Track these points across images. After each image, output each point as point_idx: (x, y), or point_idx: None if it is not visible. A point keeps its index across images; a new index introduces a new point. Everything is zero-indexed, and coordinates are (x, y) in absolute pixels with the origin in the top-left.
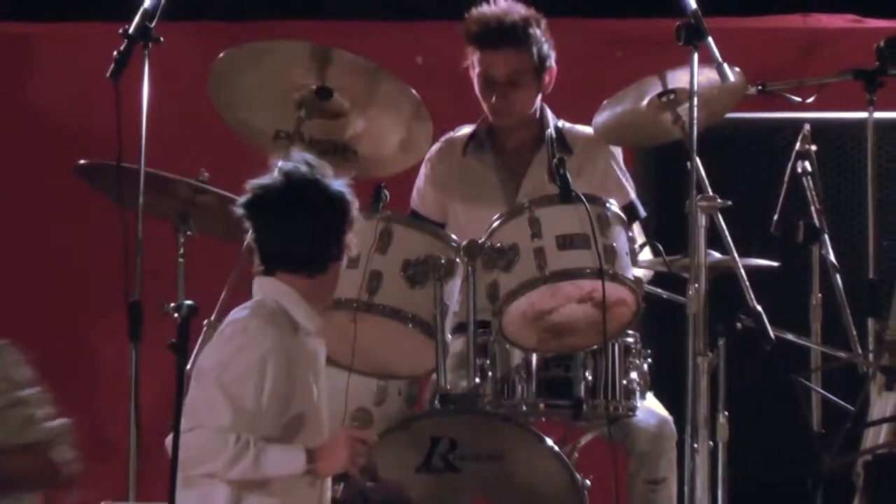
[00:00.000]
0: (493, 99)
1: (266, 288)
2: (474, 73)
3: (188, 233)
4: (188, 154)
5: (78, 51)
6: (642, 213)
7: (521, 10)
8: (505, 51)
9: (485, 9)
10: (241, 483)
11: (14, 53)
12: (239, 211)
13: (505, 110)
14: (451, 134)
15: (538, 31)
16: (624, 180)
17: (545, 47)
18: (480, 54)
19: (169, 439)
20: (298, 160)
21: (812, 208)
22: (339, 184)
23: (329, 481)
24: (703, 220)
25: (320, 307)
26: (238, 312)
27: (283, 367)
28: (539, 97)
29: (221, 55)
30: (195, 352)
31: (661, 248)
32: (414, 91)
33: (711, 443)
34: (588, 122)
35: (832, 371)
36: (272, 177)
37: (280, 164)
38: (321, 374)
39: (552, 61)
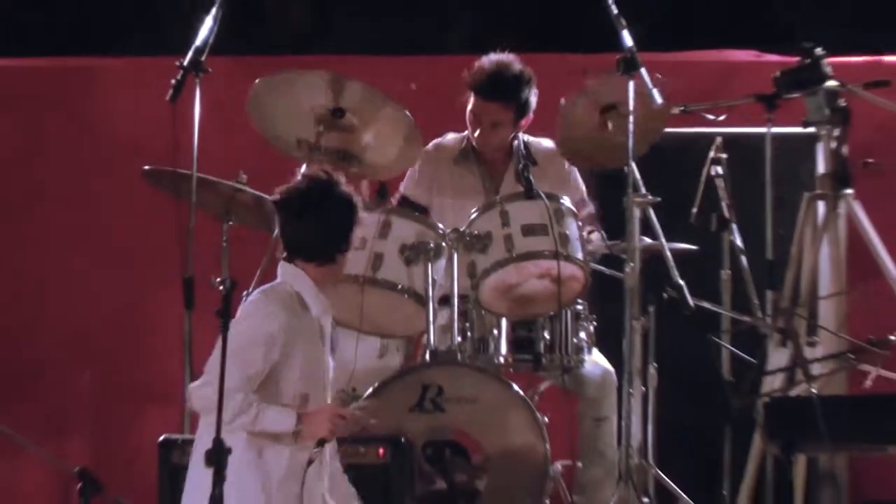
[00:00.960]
0: (477, 133)
1: (286, 272)
2: (468, 108)
3: (230, 223)
4: (229, 161)
5: (137, 80)
6: (591, 207)
7: (516, 69)
8: (493, 103)
9: (486, 62)
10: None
11: (86, 82)
12: (270, 208)
13: (484, 144)
14: (440, 140)
15: (525, 88)
16: (576, 182)
17: (528, 101)
18: (474, 98)
19: (191, 386)
20: (318, 170)
21: (723, 203)
22: (349, 191)
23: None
24: (637, 213)
25: (328, 289)
26: (257, 294)
27: (288, 342)
28: (515, 133)
29: (257, 81)
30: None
31: (604, 234)
32: (408, 112)
33: (644, 388)
34: (551, 135)
35: (739, 332)
36: (296, 182)
37: (303, 171)
38: (327, 341)
39: (531, 110)
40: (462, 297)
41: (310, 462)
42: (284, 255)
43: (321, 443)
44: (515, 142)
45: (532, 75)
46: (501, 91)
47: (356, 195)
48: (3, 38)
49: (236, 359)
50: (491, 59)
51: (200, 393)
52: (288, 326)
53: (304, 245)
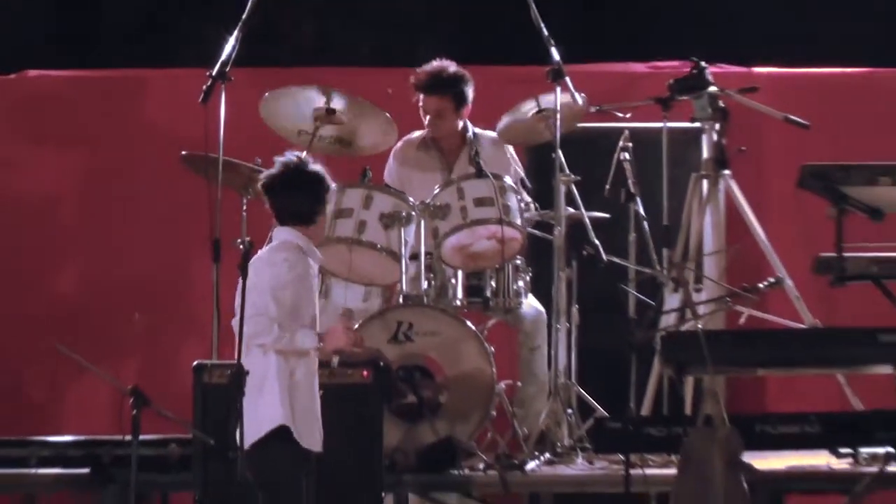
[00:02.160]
0: (427, 122)
1: (284, 233)
2: (423, 108)
3: (248, 197)
4: (248, 148)
5: (176, 86)
6: (528, 184)
7: (450, 70)
8: (432, 97)
9: (427, 66)
10: (283, 352)
11: (137, 88)
12: (259, 189)
13: (435, 131)
14: (408, 137)
15: (458, 83)
16: (516, 165)
17: (464, 94)
18: (421, 96)
19: (233, 321)
20: (291, 156)
21: (629, 182)
22: (317, 167)
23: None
24: (563, 189)
25: (315, 245)
26: (274, 250)
27: (304, 279)
28: (460, 120)
29: (267, 94)
30: None
31: (538, 206)
32: (387, 113)
33: (568, 324)
34: (493, 128)
35: (642, 281)
36: (274, 167)
37: (280, 158)
38: (317, 286)
39: (468, 101)
40: (427, 254)
41: (329, 365)
42: (276, 222)
43: (337, 353)
44: (468, 133)
45: (464, 73)
46: (437, 87)
47: (323, 168)
48: (72, 53)
49: (272, 297)
50: (431, 64)
51: (251, 322)
52: (303, 269)
53: (290, 213)
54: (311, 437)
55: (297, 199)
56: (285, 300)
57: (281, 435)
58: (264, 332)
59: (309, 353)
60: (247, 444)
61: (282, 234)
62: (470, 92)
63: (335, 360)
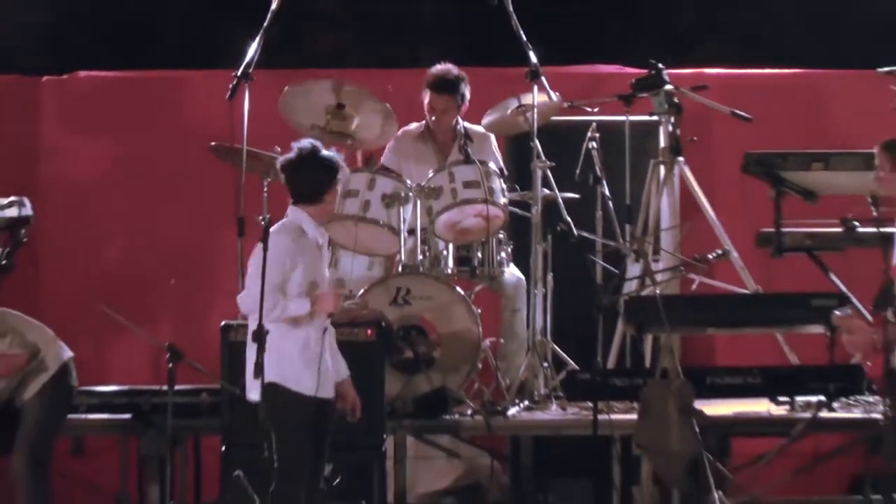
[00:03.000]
0: (433, 118)
1: (292, 213)
2: (425, 102)
3: (268, 181)
4: (268, 138)
5: (207, 85)
6: (506, 173)
7: (455, 73)
8: (442, 96)
9: (436, 69)
10: (279, 321)
11: (174, 87)
12: (277, 169)
13: (438, 125)
14: (406, 128)
15: (462, 85)
16: (498, 156)
17: (465, 94)
18: (430, 94)
19: (239, 296)
20: (306, 142)
21: (596, 167)
22: (331, 153)
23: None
24: (539, 173)
25: (323, 222)
26: (277, 230)
27: (294, 256)
28: (457, 117)
29: (286, 88)
30: None
31: (518, 187)
32: (388, 105)
33: (544, 290)
34: (478, 121)
35: (607, 253)
36: (291, 151)
37: (297, 144)
38: (324, 252)
39: (467, 100)
40: (423, 230)
41: (324, 331)
42: (292, 201)
43: (330, 316)
44: (458, 127)
45: (465, 76)
46: (447, 87)
47: (338, 155)
48: (118, 56)
49: (267, 274)
50: (439, 67)
51: (241, 300)
52: (292, 247)
53: (302, 192)
54: (323, 387)
55: (305, 180)
56: (275, 276)
57: (273, 386)
58: (254, 307)
59: (304, 318)
60: (255, 395)
61: (290, 213)
62: (468, 92)
63: (328, 321)
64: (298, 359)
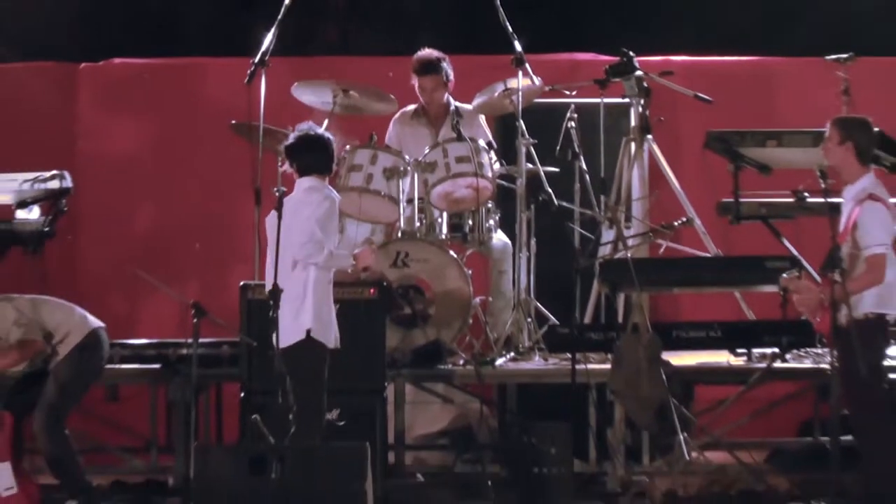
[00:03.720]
0: (424, 98)
1: (308, 181)
2: (416, 85)
3: (282, 157)
4: (282, 118)
5: (227, 71)
6: (495, 146)
7: (434, 55)
8: (427, 76)
9: (417, 55)
10: (324, 268)
11: (198, 72)
12: (282, 150)
13: (430, 103)
14: (404, 109)
15: (445, 65)
16: (486, 130)
17: (448, 73)
18: (417, 78)
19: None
20: (304, 125)
21: (575, 144)
22: (326, 133)
23: None
24: (523, 149)
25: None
26: (310, 191)
27: (334, 216)
28: (446, 94)
29: (295, 84)
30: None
31: (504, 162)
32: (390, 94)
33: (528, 253)
34: (469, 102)
35: (584, 220)
36: (294, 134)
37: (297, 126)
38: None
39: (451, 78)
40: (420, 200)
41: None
42: (298, 176)
43: (365, 270)
44: (450, 106)
45: (444, 56)
46: (430, 69)
47: (334, 135)
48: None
49: (319, 225)
50: (420, 53)
51: (305, 246)
52: (332, 205)
53: (309, 166)
54: (332, 338)
55: (314, 155)
56: (326, 226)
57: (310, 338)
58: (316, 252)
59: (337, 269)
60: (289, 343)
61: (306, 183)
62: (450, 70)
63: (363, 274)
64: (330, 314)
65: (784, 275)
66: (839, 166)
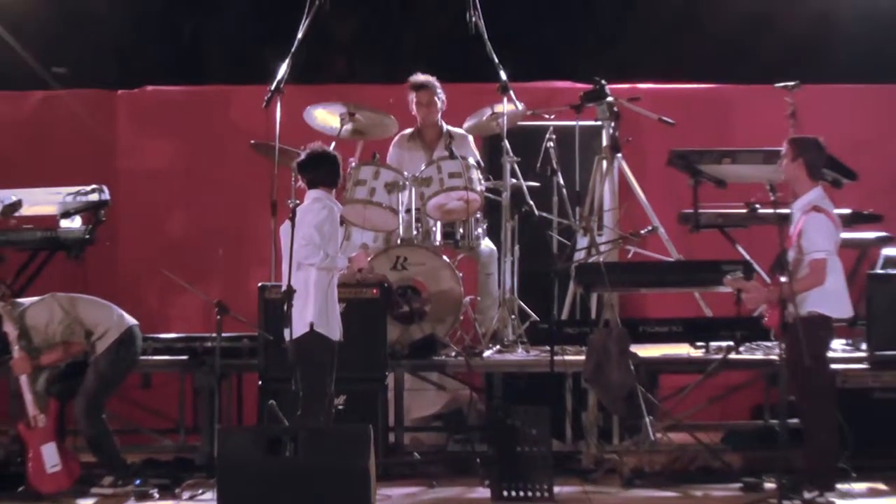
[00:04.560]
0: (420, 115)
1: (315, 193)
2: (413, 104)
3: (295, 172)
4: (295, 139)
5: (248, 97)
6: (482, 164)
7: (430, 78)
8: (421, 91)
9: (412, 77)
10: (323, 269)
11: (223, 98)
12: (294, 167)
13: (426, 118)
14: (402, 132)
15: (437, 87)
16: (475, 150)
17: (439, 91)
18: (413, 94)
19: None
20: (314, 145)
21: (553, 161)
22: (333, 151)
23: None
24: (508, 166)
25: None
26: (314, 201)
27: (334, 222)
28: (440, 115)
29: (309, 108)
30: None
31: (491, 177)
32: (391, 117)
33: (512, 258)
34: (460, 125)
35: (562, 228)
36: (305, 152)
37: (309, 146)
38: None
39: (443, 98)
40: (417, 210)
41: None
42: (307, 188)
43: (359, 272)
44: (443, 129)
45: (433, 79)
46: (424, 85)
47: (336, 152)
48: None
49: (316, 230)
50: (414, 75)
51: (303, 248)
52: (331, 212)
53: (318, 180)
54: (335, 331)
55: (322, 170)
56: (324, 232)
57: (314, 330)
58: (313, 254)
59: (336, 270)
60: (296, 335)
61: (313, 194)
62: (441, 92)
63: (358, 275)
64: (333, 310)
65: (728, 276)
66: (791, 180)
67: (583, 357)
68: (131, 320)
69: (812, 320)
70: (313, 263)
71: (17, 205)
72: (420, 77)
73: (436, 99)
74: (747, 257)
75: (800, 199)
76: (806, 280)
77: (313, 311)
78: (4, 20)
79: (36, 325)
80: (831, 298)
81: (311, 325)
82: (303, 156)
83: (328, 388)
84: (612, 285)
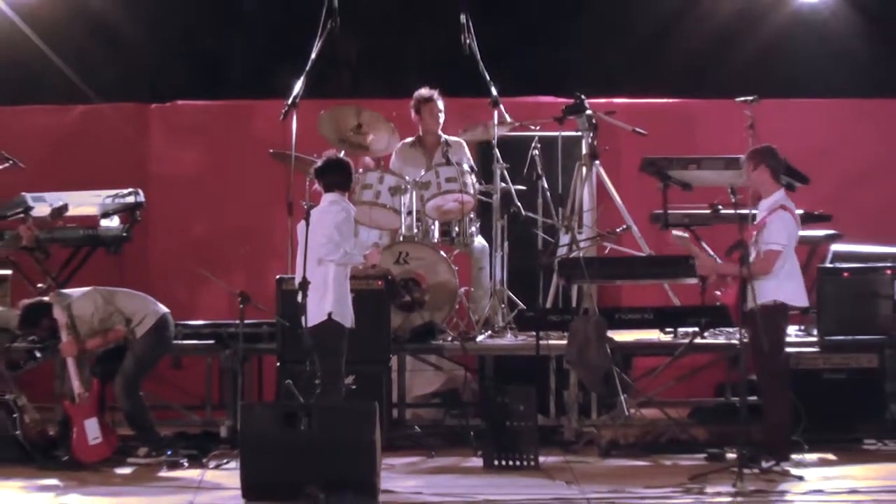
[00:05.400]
0: (423, 124)
1: (331, 196)
2: (416, 117)
3: (310, 177)
4: (310, 147)
5: (267, 110)
6: (475, 169)
7: (434, 92)
8: (426, 106)
9: (421, 91)
10: (341, 264)
11: (247, 112)
12: (312, 173)
13: (427, 130)
14: (404, 141)
15: (439, 100)
16: (469, 157)
17: (441, 107)
18: (417, 109)
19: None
20: (330, 153)
21: (538, 167)
22: (346, 159)
23: None
24: (498, 172)
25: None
26: (332, 203)
27: (350, 222)
28: (439, 128)
29: (322, 112)
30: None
31: (483, 181)
32: (392, 124)
33: (501, 253)
34: (456, 135)
35: (546, 227)
36: (322, 159)
37: (325, 154)
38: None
39: (443, 109)
40: (417, 211)
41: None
42: (324, 192)
43: (373, 267)
44: (441, 138)
45: (436, 92)
46: (428, 98)
47: (348, 159)
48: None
49: (336, 229)
50: (421, 90)
51: (325, 246)
52: (348, 213)
53: (333, 184)
54: (348, 320)
55: (337, 176)
56: (342, 231)
57: (332, 319)
58: (333, 251)
59: (353, 265)
60: (314, 323)
61: (330, 197)
62: (441, 103)
63: (372, 270)
64: (346, 300)
65: (675, 232)
66: (758, 185)
67: (565, 341)
68: (164, 308)
69: (771, 309)
70: (334, 259)
71: (63, 208)
72: (426, 91)
73: (437, 111)
74: (711, 252)
75: (765, 200)
76: (755, 266)
77: (331, 301)
78: (51, 42)
79: (81, 315)
80: (789, 289)
81: (330, 315)
82: (319, 162)
83: (340, 370)
84: (590, 278)
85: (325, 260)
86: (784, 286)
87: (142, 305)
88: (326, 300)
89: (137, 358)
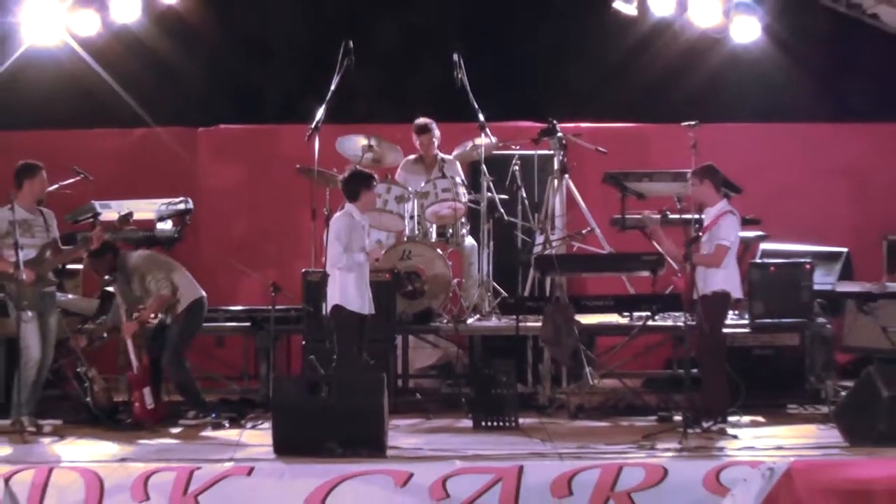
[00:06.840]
0: (421, 147)
1: (346, 207)
2: (417, 141)
3: (329, 188)
4: (330, 163)
5: (294, 134)
6: (466, 183)
7: (427, 120)
8: (422, 135)
9: (416, 121)
10: (344, 267)
11: (276, 135)
12: (339, 184)
13: (426, 153)
14: (407, 158)
15: (432, 126)
16: (461, 172)
17: (435, 131)
18: (416, 137)
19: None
20: (352, 167)
21: (518, 180)
22: (368, 172)
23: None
24: (485, 185)
25: (365, 212)
26: (338, 216)
27: (350, 230)
28: (436, 147)
29: (339, 138)
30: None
31: (472, 192)
32: (398, 146)
33: (488, 250)
34: (450, 153)
35: (524, 229)
36: (345, 172)
37: (350, 167)
38: (366, 230)
39: (438, 135)
40: (418, 216)
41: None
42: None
43: (375, 261)
44: (438, 156)
45: (433, 121)
46: (424, 130)
47: (371, 171)
48: (245, 114)
49: (336, 239)
50: (418, 120)
51: (329, 252)
52: (348, 224)
53: (352, 194)
54: (353, 305)
55: (349, 187)
56: (342, 238)
57: (338, 307)
58: (338, 260)
59: (361, 263)
60: (328, 309)
61: (344, 208)
62: (437, 130)
63: (375, 264)
64: (353, 289)
65: (647, 212)
66: (702, 197)
67: (540, 324)
68: (202, 291)
69: (714, 297)
70: (337, 267)
71: (129, 215)
72: (422, 121)
73: (433, 138)
74: (660, 250)
75: (710, 208)
76: (707, 257)
77: (338, 292)
78: (115, 75)
79: (138, 267)
80: (733, 281)
81: (336, 304)
82: (343, 175)
83: (352, 347)
84: (561, 271)
85: (331, 266)
86: (731, 278)
87: (188, 282)
88: (335, 292)
89: (180, 330)
